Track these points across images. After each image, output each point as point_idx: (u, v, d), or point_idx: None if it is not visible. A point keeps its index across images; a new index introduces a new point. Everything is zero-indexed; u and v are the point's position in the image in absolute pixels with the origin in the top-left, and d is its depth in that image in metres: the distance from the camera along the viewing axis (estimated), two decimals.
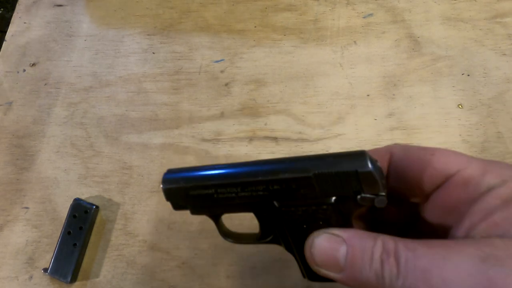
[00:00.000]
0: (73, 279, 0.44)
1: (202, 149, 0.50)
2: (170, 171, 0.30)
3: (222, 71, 0.56)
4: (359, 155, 0.24)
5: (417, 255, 0.20)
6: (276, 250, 0.45)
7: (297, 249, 0.28)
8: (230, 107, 0.53)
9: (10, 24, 0.62)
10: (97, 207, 0.47)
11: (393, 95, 0.52)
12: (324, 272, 0.24)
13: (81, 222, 0.46)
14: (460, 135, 0.49)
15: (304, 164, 0.26)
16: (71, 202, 0.47)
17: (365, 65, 0.54)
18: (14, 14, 0.63)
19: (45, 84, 0.56)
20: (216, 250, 0.45)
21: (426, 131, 0.50)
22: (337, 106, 0.52)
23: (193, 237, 0.46)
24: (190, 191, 0.29)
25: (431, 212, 0.25)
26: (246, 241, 0.32)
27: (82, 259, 0.45)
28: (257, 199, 0.27)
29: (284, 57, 0.56)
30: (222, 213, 0.31)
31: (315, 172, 0.25)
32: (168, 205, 0.48)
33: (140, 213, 0.47)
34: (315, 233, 0.25)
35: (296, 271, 0.44)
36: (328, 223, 0.26)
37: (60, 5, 0.63)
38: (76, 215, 0.46)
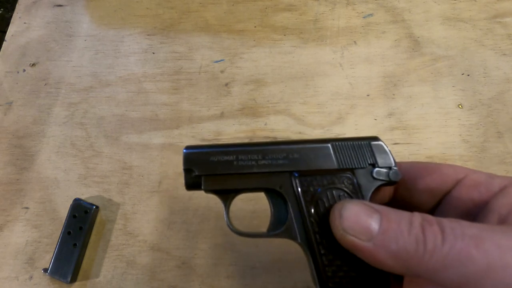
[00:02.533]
0: (73, 279, 0.44)
1: None
2: (190, 146, 0.30)
3: (222, 71, 0.56)
4: (373, 136, 0.28)
5: (463, 225, 0.20)
6: (276, 250, 0.45)
7: (315, 234, 0.26)
8: (230, 107, 0.53)
9: (10, 24, 0.62)
10: (97, 207, 0.47)
11: (393, 95, 0.52)
12: (350, 238, 0.22)
13: (81, 222, 0.46)
14: (460, 135, 0.49)
15: (324, 139, 0.28)
16: (71, 202, 0.47)
17: (365, 65, 0.54)
18: (14, 14, 0.63)
19: (45, 84, 0.56)
20: (216, 250, 0.45)
21: (426, 131, 0.50)
22: (337, 106, 0.52)
23: (193, 237, 0.46)
24: (211, 156, 0.28)
25: (445, 216, 0.25)
26: (255, 235, 0.31)
27: (82, 259, 0.45)
28: (276, 169, 0.27)
29: (284, 57, 0.56)
30: (236, 190, 0.29)
31: (333, 143, 0.28)
32: (168, 205, 0.49)
33: (140, 213, 0.47)
34: (347, 199, 0.25)
35: (296, 271, 0.44)
36: (348, 197, 0.26)
37: (60, 5, 0.63)
38: (76, 215, 0.46)
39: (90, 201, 0.48)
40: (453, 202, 0.25)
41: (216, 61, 0.56)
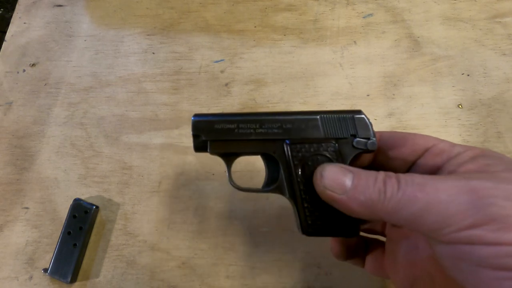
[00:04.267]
0: (73, 279, 0.44)
1: None
2: (197, 114, 0.34)
3: (222, 71, 0.56)
4: (357, 110, 0.32)
5: (414, 176, 0.25)
6: (276, 250, 0.45)
7: (300, 191, 0.31)
8: (230, 107, 0.53)
9: (10, 24, 0.62)
10: (97, 207, 0.47)
11: (393, 95, 0.52)
12: (329, 193, 0.28)
13: (81, 222, 0.46)
14: (460, 135, 0.49)
15: (313, 112, 0.32)
16: (71, 202, 0.47)
17: (365, 65, 0.54)
18: (14, 14, 0.63)
19: (45, 84, 0.56)
20: (216, 250, 0.45)
21: (426, 131, 0.50)
22: (337, 106, 0.52)
23: (193, 237, 0.46)
24: (216, 124, 0.33)
25: None
26: (252, 190, 0.35)
27: (82, 259, 0.45)
28: (271, 136, 0.32)
29: (284, 57, 0.56)
30: (237, 153, 0.34)
31: (321, 115, 0.32)
32: (168, 205, 0.49)
33: (140, 213, 0.47)
34: (327, 163, 0.30)
35: (296, 271, 0.44)
36: (330, 162, 0.31)
37: (60, 5, 0.63)
38: (76, 215, 0.46)
39: (90, 201, 0.48)
40: (421, 167, 0.29)
41: (216, 61, 0.56)
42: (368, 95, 0.52)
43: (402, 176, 0.25)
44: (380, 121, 0.51)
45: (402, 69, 0.54)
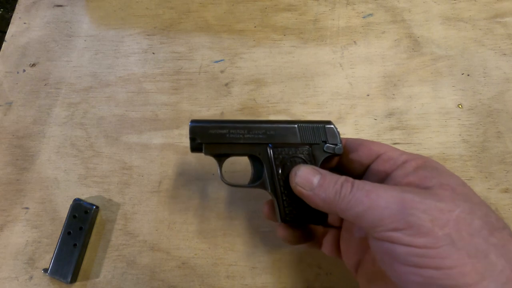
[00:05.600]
0: (73, 279, 0.44)
1: None
2: (194, 120, 0.39)
3: (222, 71, 0.56)
4: (327, 121, 0.38)
5: (365, 183, 0.30)
6: (276, 250, 0.45)
7: (280, 187, 0.37)
8: (230, 107, 0.53)
9: (10, 25, 0.62)
10: (97, 207, 0.47)
11: (393, 95, 0.52)
12: (299, 189, 0.33)
13: (81, 222, 0.46)
14: (460, 135, 0.49)
15: (292, 121, 0.39)
16: (71, 203, 0.47)
17: (365, 65, 0.54)
18: (14, 15, 0.63)
19: (45, 84, 0.56)
20: (216, 250, 0.45)
21: (426, 131, 0.50)
22: (337, 106, 0.52)
23: (193, 237, 0.46)
24: (210, 129, 0.38)
25: (368, 179, 0.35)
26: (239, 185, 0.41)
27: (82, 259, 0.45)
28: (257, 141, 0.37)
29: (284, 57, 0.56)
30: (227, 154, 0.39)
31: (299, 125, 0.38)
32: (168, 205, 0.49)
33: (140, 214, 0.47)
34: (302, 164, 0.36)
35: (296, 271, 0.44)
36: (304, 163, 0.37)
37: (60, 6, 0.63)
38: (76, 215, 0.46)
39: (90, 201, 0.48)
40: (373, 171, 0.35)
41: (216, 61, 0.56)
42: (368, 95, 0.52)
43: (356, 182, 0.30)
44: (380, 121, 0.51)
45: (402, 69, 0.54)
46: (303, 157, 0.37)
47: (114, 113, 0.54)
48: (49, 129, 0.53)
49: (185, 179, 0.49)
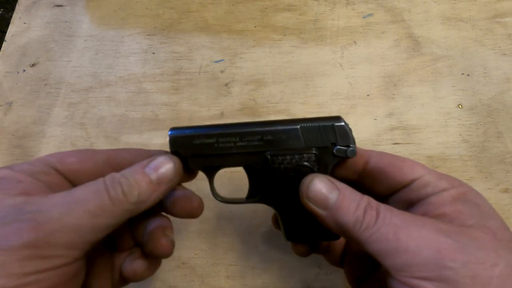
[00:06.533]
0: None
1: None
2: (174, 128, 0.33)
3: (222, 71, 0.56)
4: (336, 117, 0.32)
5: (393, 214, 0.26)
6: (276, 250, 0.45)
7: (284, 203, 0.32)
8: (230, 107, 0.53)
9: (10, 24, 0.62)
10: None
11: (393, 95, 0.52)
12: (311, 206, 0.29)
13: None
14: (460, 135, 0.49)
15: (293, 121, 0.32)
16: None
17: (365, 65, 0.54)
18: (14, 15, 0.63)
19: (45, 84, 0.56)
20: (216, 250, 0.45)
21: (426, 131, 0.50)
22: (337, 106, 0.52)
23: (193, 237, 0.46)
24: (194, 139, 0.32)
25: (395, 205, 0.30)
26: (236, 202, 0.35)
27: None
28: (252, 149, 0.31)
29: (284, 57, 0.56)
30: (218, 167, 0.33)
31: (301, 125, 0.31)
32: None
33: None
34: (315, 174, 0.30)
35: (296, 271, 0.44)
36: (312, 172, 0.31)
37: (60, 5, 0.63)
38: None
39: None
40: (405, 195, 0.30)
41: (216, 61, 0.56)
42: (368, 95, 0.52)
43: (382, 209, 0.26)
44: (380, 121, 0.51)
45: (402, 69, 0.54)
46: (309, 165, 0.31)
47: (114, 113, 0.54)
48: (49, 129, 0.53)
49: None
